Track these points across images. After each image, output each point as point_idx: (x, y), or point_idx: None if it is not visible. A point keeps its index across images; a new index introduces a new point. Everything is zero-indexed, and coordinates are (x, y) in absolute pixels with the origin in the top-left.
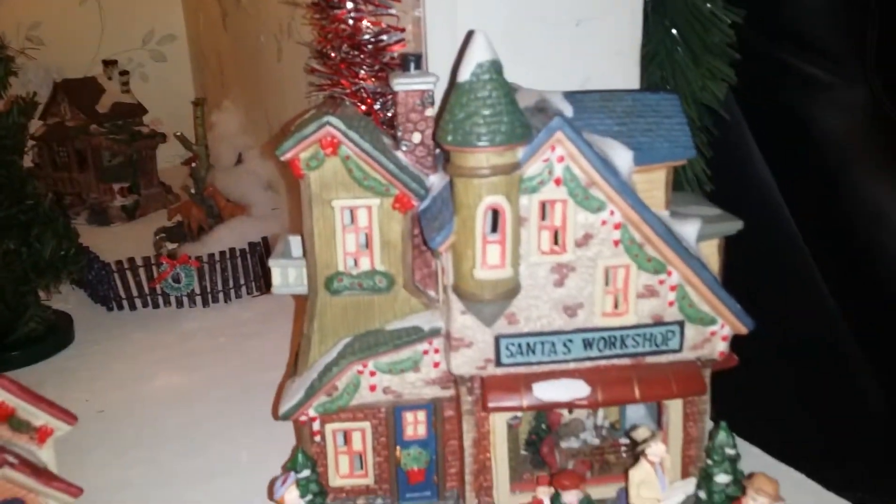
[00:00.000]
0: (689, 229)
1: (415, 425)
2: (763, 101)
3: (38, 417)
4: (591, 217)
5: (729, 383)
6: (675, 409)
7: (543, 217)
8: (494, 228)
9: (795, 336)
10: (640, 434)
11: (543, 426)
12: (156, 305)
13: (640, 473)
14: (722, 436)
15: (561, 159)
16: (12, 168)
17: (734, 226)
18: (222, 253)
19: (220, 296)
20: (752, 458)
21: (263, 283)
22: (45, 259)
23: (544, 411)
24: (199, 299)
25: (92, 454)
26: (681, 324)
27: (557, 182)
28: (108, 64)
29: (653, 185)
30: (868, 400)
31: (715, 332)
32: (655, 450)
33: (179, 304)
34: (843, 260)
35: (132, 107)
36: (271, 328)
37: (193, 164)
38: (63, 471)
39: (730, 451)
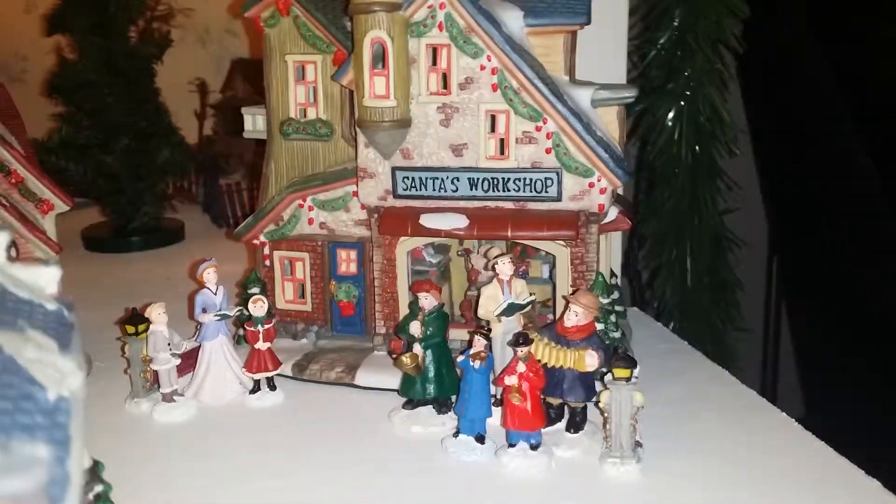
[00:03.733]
0: (582, 92)
1: (347, 263)
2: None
3: (43, 192)
4: (472, 62)
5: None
6: (561, 262)
7: (434, 62)
8: (384, 65)
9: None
10: (491, 253)
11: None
12: None
13: (489, 289)
14: (596, 286)
15: (442, 6)
16: (138, 85)
17: (630, 93)
18: None
19: None
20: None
21: None
22: (157, 164)
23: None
24: None
25: (139, 286)
26: (558, 172)
27: (440, 27)
28: None
29: (551, 49)
30: None
31: (593, 185)
32: (501, 268)
33: None
34: None
35: None
36: None
37: None
38: (112, 291)
39: (602, 300)
